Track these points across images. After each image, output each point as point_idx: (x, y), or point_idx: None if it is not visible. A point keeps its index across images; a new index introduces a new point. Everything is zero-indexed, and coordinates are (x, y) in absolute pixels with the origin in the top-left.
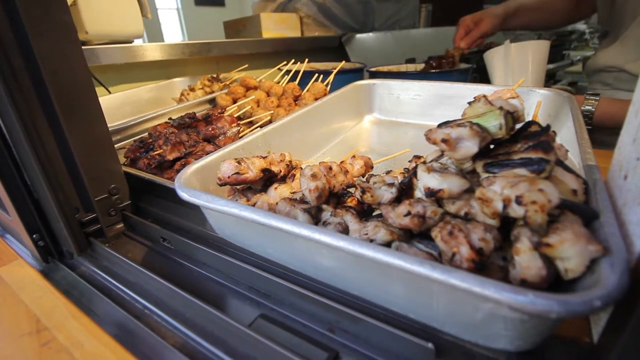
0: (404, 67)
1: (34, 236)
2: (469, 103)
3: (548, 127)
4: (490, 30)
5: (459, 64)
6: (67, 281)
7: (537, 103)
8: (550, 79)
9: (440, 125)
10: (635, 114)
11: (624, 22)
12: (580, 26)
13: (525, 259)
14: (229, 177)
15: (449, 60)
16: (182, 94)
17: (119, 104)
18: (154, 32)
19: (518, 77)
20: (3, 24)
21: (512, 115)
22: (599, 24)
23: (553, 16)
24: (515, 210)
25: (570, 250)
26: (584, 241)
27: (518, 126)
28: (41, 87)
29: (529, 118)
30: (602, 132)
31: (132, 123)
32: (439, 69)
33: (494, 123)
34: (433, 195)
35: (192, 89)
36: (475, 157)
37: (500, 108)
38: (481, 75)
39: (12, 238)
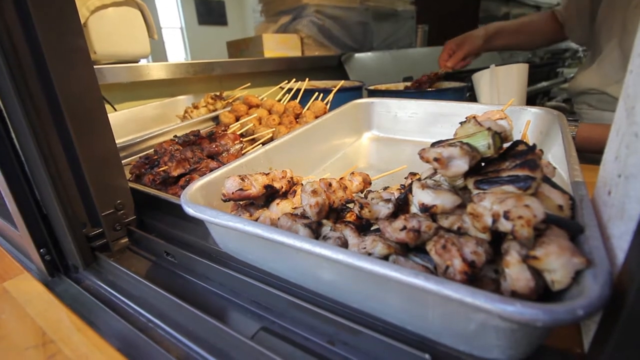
0: (401, 85)
1: (41, 250)
2: (461, 123)
3: (534, 146)
4: (472, 51)
5: (442, 84)
6: (73, 295)
7: (526, 122)
8: (544, 96)
9: (433, 145)
10: (616, 133)
11: (599, 44)
12: (574, 45)
13: (515, 271)
14: (233, 193)
15: (432, 78)
16: (186, 112)
17: (124, 121)
18: (158, 50)
19: (503, 96)
20: (23, 47)
21: (499, 136)
22: (573, 41)
23: (533, 37)
24: (504, 225)
25: (555, 262)
26: (568, 254)
27: (507, 145)
28: (55, 106)
29: (519, 136)
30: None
31: (138, 140)
32: (419, 88)
33: (482, 143)
34: (427, 210)
35: (195, 107)
36: (466, 175)
37: (489, 129)
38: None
39: (18, 252)
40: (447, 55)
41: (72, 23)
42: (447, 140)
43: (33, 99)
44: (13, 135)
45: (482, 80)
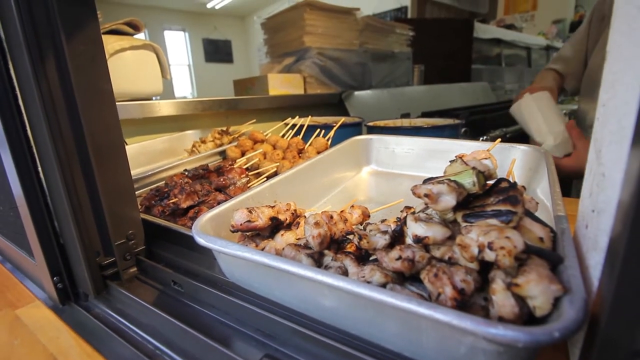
0: (399, 122)
1: (55, 279)
2: (450, 162)
3: (515, 184)
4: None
5: (437, 121)
6: (82, 322)
7: (512, 160)
8: None
9: (424, 182)
10: (590, 172)
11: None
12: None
13: (500, 298)
14: (241, 224)
15: None
16: (193, 146)
17: (134, 154)
18: (166, 86)
19: (551, 120)
20: (57, 91)
21: (483, 174)
22: (569, 90)
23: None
24: (488, 255)
25: (535, 289)
26: (546, 281)
27: (492, 182)
28: (81, 142)
29: (505, 173)
30: None
31: (149, 173)
32: None
33: (468, 180)
34: (420, 241)
35: (203, 141)
36: (455, 209)
37: (473, 168)
38: (471, 130)
39: (29, 281)
40: None
41: (101, 70)
42: (437, 177)
43: (62, 135)
44: (40, 169)
45: (526, 109)
